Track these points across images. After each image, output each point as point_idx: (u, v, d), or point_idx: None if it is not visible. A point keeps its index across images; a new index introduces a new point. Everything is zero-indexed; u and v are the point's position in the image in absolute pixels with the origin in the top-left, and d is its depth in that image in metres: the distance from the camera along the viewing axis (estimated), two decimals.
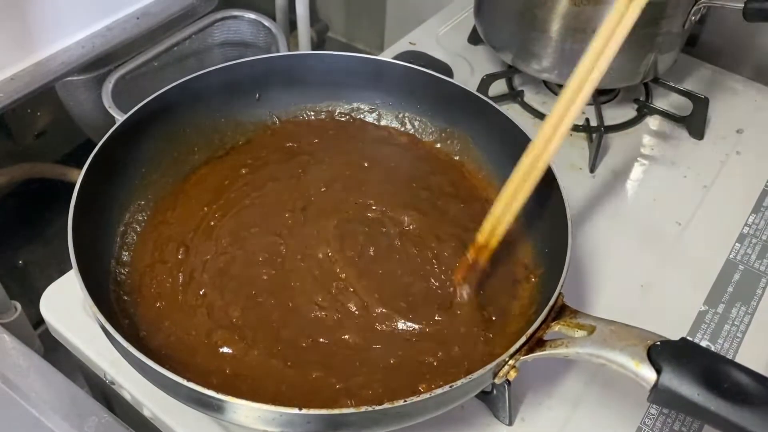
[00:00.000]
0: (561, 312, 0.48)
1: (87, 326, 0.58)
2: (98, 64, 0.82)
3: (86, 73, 0.82)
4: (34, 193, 0.94)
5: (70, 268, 0.58)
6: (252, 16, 0.92)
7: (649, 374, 0.41)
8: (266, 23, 0.92)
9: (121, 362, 0.48)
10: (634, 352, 0.42)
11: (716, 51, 0.96)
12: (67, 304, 0.60)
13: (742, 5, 0.70)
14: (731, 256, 0.69)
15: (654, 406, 0.56)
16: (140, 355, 0.43)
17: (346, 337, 0.53)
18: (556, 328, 0.47)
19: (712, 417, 0.40)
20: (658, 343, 0.42)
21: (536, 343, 0.46)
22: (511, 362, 0.46)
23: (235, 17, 0.93)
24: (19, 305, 0.74)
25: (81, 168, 0.54)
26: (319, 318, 0.54)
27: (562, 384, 0.58)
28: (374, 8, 1.28)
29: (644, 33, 0.74)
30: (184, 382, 0.42)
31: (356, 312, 0.54)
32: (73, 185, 0.53)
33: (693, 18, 0.75)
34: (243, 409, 0.42)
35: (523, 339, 0.45)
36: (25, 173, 0.91)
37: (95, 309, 0.46)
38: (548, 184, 0.56)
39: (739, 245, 0.70)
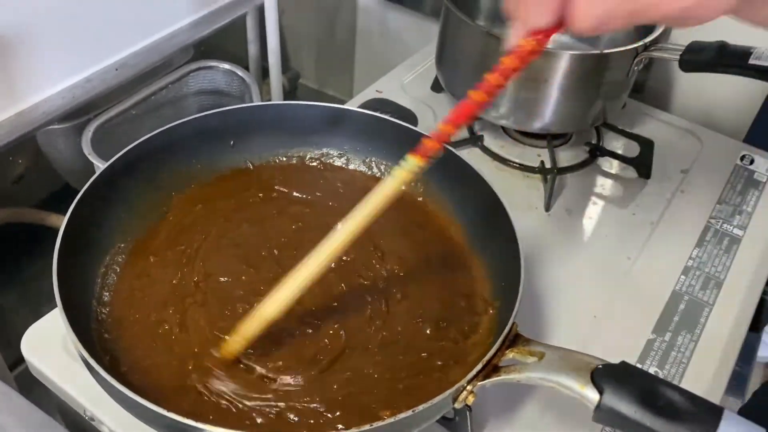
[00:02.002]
0: (515, 340, 0.52)
1: (68, 364, 0.60)
2: (78, 113, 0.85)
3: (66, 121, 0.85)
4: (11, 237, 0.96)
5: (46, 311, 0.60)
6: (226, 66, 0.97)
7: (592, 395, 0.45)
8: (240, 73, 0.97)
9: (101, 398, 0.50)
10: (578, 375, 0.46)
11: (662, 96, 1.03)
12: (48, 344, 0.62)
13: (678, 57, 0.77)
14: (677, 288, 0.74)
15: (607, 428, 0.60)
16: (123, 389, 0.46)
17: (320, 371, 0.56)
18: (510, 355, 0.51)
19: None
20: (600, 366, 0.46)
21: (492, 369, 0.50)
22: (469, 387, 0.49)
23: (210, 67, 0.97)
24: None
25: (59, 213, 0.57)
26: (294, 354, 0.57)
27: (521, 410, 0.61)
28: (343, 57, 1.34)
29: (591, 82, 0.80)
30: (166, 413, 0.45)
31: (329, 347, 0.58)
32: (50, 229, 0.55)
33: (636, 68, 0.81)
34: None
35: (479, 366, 0.49)
36: (4, 218, 0.93)
37: (79, 345, 0.48)
38: (502, 223, 0.60)
39: (684, 277, 0.75)
